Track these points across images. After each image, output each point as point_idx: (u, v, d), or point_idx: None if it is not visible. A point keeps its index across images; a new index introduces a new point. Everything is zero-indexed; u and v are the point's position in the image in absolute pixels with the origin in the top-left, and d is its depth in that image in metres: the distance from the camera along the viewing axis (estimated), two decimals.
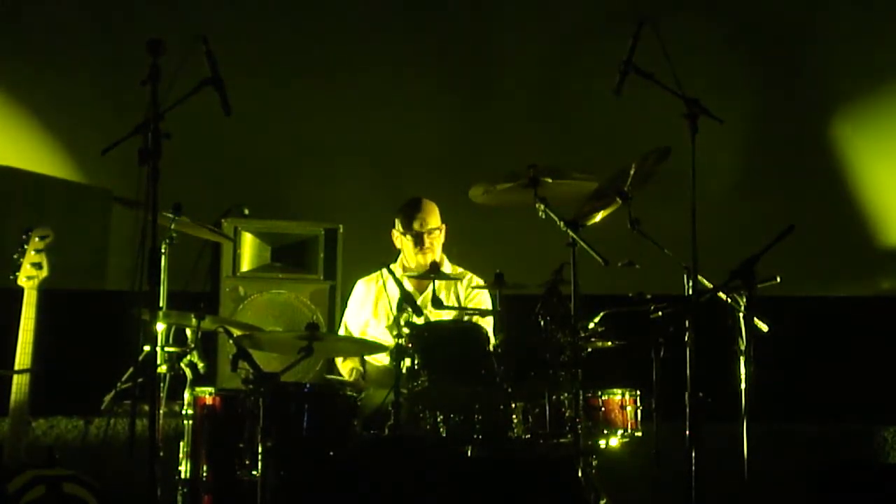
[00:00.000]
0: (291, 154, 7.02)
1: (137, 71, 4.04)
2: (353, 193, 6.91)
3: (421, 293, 5.82)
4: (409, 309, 5.09)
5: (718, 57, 7.05)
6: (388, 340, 5.41)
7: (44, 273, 5.31)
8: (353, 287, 6.20)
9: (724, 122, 4.69)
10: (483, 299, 5.92)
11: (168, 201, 4.97)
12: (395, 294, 5.82)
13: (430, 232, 5.91)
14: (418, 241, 5.90)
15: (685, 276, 4.75)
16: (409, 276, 5.85)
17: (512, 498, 4.75)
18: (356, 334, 6.03)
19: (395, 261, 6.03)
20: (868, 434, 6.79)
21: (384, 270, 5.96)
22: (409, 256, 5.97)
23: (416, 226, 5.90)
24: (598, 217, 5.14)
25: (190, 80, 4.36)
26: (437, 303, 5.47)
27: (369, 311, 6.07)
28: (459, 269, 6.05)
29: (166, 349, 5.04)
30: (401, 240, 5.99)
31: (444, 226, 5.97)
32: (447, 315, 5.71)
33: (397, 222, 5.98)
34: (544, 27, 7.12)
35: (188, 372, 5.02)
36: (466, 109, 7.09)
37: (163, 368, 5.01)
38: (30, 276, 5.30)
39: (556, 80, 7.07)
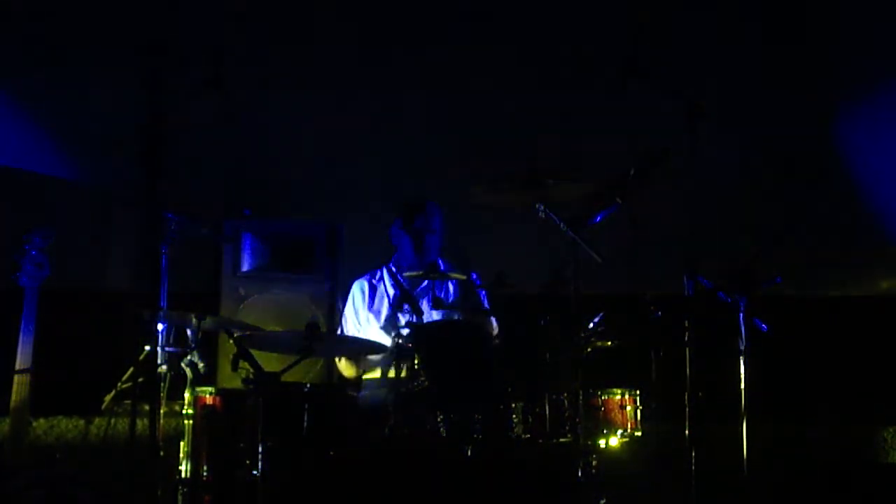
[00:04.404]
0: (291, 154, 7.01)
1: (138, 71, 4.04)
2: (354, 193, 6.91)
3: (417, 292, 5.82)
4: (408, 308, 5.09)
5: (718, 56, 7.04)
6: (387, 340, 5.42)
7: (44, 273, 5.32)
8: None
9: (722, 121, 4.69)
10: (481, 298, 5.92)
11: (169, 201, 4.96)
12: (393, 293, 5.81)
13: (431, 232, 5.89)
14: (418, 239, 5.87)
15: (685, 276, 4.75)
16: (407, 276, 5.84)
17: (512, 498, 4.75)
18: (355, 334, 6.03)
19: (392, 260, 6.02)
20: (868, 434, 6.79)
21: (383, 270, 5.98)
22: (407, 255, 5.93)
23: (417, 224, 5.87)
24: (599, 217, 5.14)
25: (191, 81, 4.36)
26: (436, 302, 5.46)
27: (367, 310, 6.06)
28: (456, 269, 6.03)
29: (166, 349, 5.04)
30: (400, 237, 5.96)
31: (444, 227, 5.95)
32: (445, 314, 5.71)
33: (399, 219, 5.94)
34: (544, 26, 7.11)
35: (188, 372, 5.03)
36: (467, 110, 7.08)
37: (163, 368, 5.02)
38: (30, 276, 5.30)
39: (556, 80, 7.06)
